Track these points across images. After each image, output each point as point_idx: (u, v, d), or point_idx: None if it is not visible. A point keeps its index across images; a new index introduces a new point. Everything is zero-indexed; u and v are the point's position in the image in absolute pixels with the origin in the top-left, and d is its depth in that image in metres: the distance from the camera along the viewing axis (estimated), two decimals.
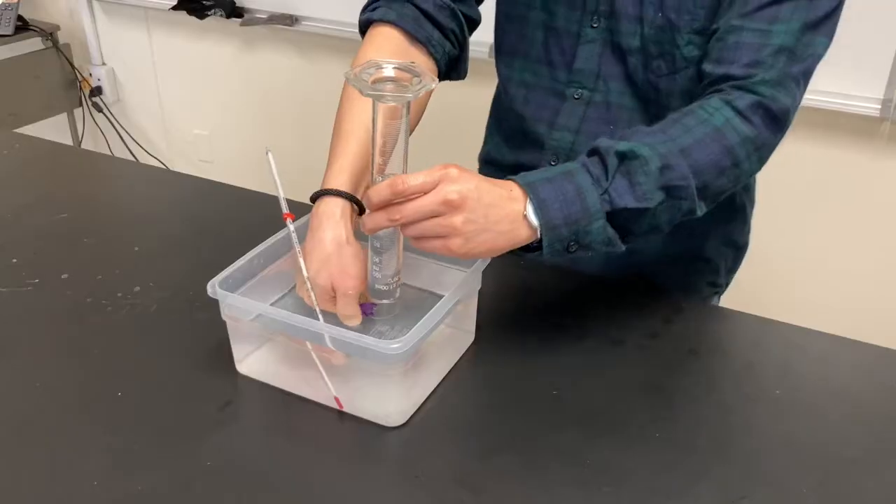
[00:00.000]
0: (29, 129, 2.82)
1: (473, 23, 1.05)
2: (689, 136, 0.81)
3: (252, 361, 0.87)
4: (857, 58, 1.83)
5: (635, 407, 0.81)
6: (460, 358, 0.88)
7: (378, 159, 0.78)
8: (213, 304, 0.82)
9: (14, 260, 1.07)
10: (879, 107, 1.86)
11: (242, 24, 2.61)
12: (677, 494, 0.71)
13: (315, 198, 0.86)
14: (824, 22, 0.86)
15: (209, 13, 2.64)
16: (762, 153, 0.86)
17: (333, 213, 0.84)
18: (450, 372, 0.86)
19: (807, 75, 0.88)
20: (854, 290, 2.10)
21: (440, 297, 0.80)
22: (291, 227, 0.83)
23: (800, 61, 0.86)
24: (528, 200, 0.77)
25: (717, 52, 0.87)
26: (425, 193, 0.73)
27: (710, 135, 0.82)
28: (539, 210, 0.77)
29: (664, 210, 0.81)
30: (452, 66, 1.04)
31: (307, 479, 0.73)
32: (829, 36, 0.87)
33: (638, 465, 0.74)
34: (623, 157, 0.79)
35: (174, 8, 2.70)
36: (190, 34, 2.82)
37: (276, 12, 2.55)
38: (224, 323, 0.83)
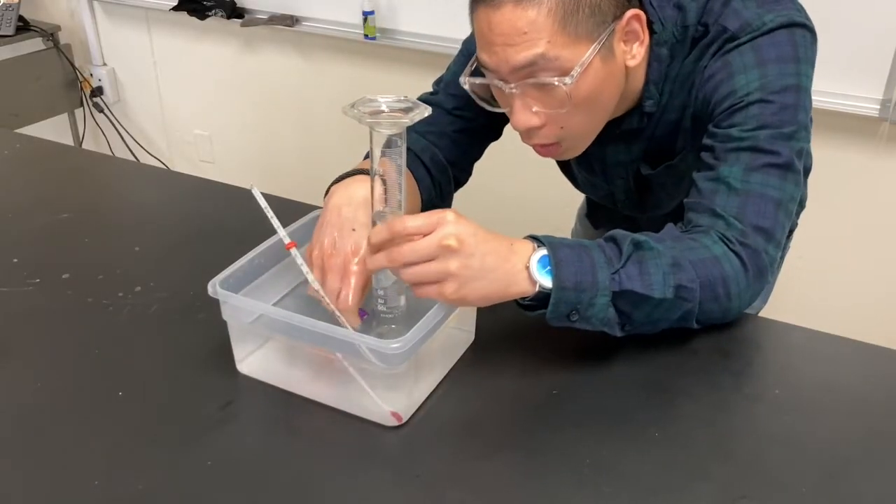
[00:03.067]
0: (30, 130, 2.83)
1: (459, 183, 1.14)
2: (694, 252, 0.85)
3: (253, 361, 0.87)
4: (857, 58, 1.83)
5: (635, 407, 0.81)
6: (460, 358, 0.88)
7: (378, 189, 0.80)
8: (214, 304, 0.82)
9: (15, 260, 1.07)
10: (878, 107, 1.86)
11: (243, 25, 2.61)
12: (677, 494, 0.71)
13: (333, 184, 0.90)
14: (793, 170, 0.90)
15: (210, 14, 2.64)
16: (750, 294, 0.89)
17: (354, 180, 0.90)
18: (450, 372, 0.86)
19: (789, 215, 0.91)
20: (854, 290, 2.10)
21: None
22: (296, 255, 0.83)
23: (787, 215, 0.90)
24: (539, 257, 0.80)
25: (704, 195, 0.91)
26: (424, 236, 0.75)
27: (710, 259, 0.85)
28: (555, 269, 0.79)
29: (668, 306, 0.83)
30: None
31: (307, 478, 0.73)
32: (798, 183, 0.91)
33: (638, 465, 0.74)
34: (638, 245, 0.83)
35: (175, 8, 2.70)
36: (190, 35, 2.83)
37: (277, 13, 2.55)
38: (224, 323, 0.83)
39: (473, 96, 0.96)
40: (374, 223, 0.82)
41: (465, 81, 0.94)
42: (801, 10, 0.93)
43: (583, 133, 0.96)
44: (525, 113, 0.90)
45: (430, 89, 1.12)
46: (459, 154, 1.10)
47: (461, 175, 1.13)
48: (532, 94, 0.89)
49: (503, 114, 1.10)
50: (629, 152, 1.07)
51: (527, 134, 0.93)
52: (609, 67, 0.89)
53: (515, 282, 0.79)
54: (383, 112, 0.78)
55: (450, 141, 1.08)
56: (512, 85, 0.88)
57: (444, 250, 0.75)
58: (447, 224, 0.76)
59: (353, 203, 0.86)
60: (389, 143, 0.78)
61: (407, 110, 0.78)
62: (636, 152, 1.07)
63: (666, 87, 0.98)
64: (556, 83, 0.86)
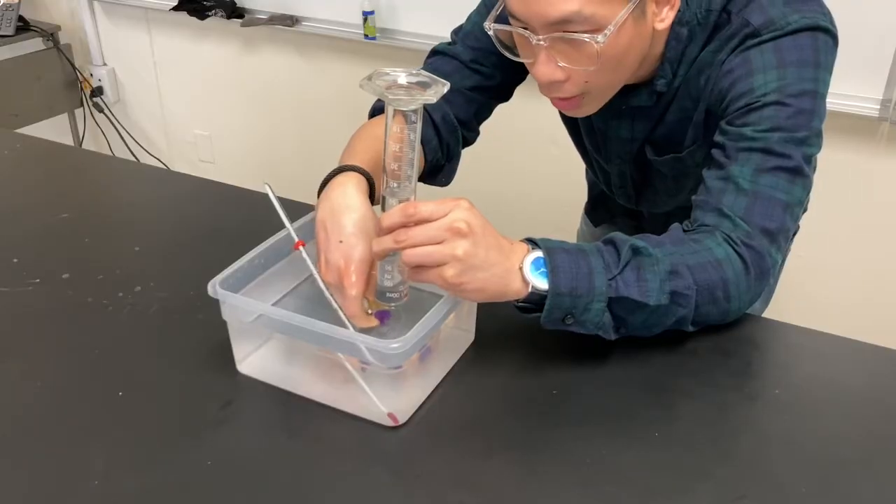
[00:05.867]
0: (30, 130, 2.83)
1: (468, 143, 1.12)
2: (694, 257, 0.85)
3: (253, 361, 0.87)
4: (857, 58, 1.83)
5: (635, 407, 0.81)
6: (460, 358, 0.88)
7: (392, 165, 0.79)
8: (214, 304, 0.82)
9: (15, 260, 1.07)
10: (878, 107, 1.86)
11: (243, 25, 2.61)
12: (677, 494, 0.71)
13: (324, 183, 0.89)
14: (803, 174, 0.90)
15: (210, 14, 2.64)
16: (750, 296, 0.88)
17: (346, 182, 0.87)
18: (450, 372, 0.86)
19: (794, 219, 0.91)
20: (854, 290, 2.10)
21: (440, 297, 0.81)
22: (305, 254, 0.83)
23: (794, 218, 0.90)
24: (533, 258, 0.79)
25: (713, 192, 0.90)
26: (435, 221, 0.75)
27: (712, 263, 0.85)
28: (551, 274, 0.79)
29: (662, 312, 0.83)
30: (436, 172, 1.09)
31: (307, 478, 0.73)
32: (807, 188, 0.92)
33: (638, 465, 0.74)
34: (637, 251, 0.82)
35: (175, 8, 2.70)
36: (190, 35, 2.83)
37: (277, 13, 2.55)
38: (224, 323, 0.83)
39: (496, 42, 0.94)
40: (384, 199, 0.81)
41: (490, 27, 0.92)
42: (826, 13, 0.92)
43: (604, 90, 0.94)
44: (549, 66, 0.88)
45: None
46: (471, 113, 1.09)
47: (470, 135, 1.11)
48: (560, 48, 0.87)
49: (517, 75, 1.09)
50: (631, 130, 1.06)
51: (548, 87, 0.92)
52: (639, 28, 0.88)
53: (511, 281, 0.79)
54: (401, 86, 0.77)
55: (463, 99, 1.07)
56: (540, 37, 0.86)
57: (454, 234, 0.75)
58: (460, 209, 0.76)
59: (335, 214, 0.84)
60: (405, 119, 0.77)
61: (424, 85, 0.77)
62: (639, 132, 1.06)
63: (680, 70, 0.97)
64: (588, 40, 0.84)
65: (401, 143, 0.78)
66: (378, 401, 0.78)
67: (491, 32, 0.93)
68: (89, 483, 0.72)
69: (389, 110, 0.77)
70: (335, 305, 0.81)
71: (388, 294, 0.83)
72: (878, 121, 1.88)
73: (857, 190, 2.00)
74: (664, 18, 0.90)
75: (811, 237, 2.05)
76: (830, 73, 0.92)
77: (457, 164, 1.12)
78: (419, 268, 0.76)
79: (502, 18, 0.91)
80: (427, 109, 1.02)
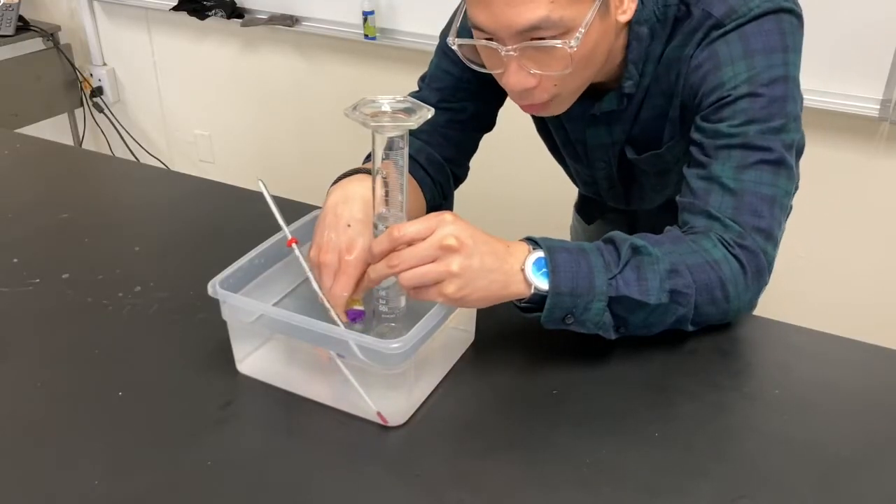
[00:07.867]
0: (30, 130, 2.83)
1: (458, 180, 1.13)
2: (693, 256, 0.85)
3: (252, 361, 0.87)
4: (857, 58, 1.83)
5: (635, 407, 0.81)
6: (460, 358, 0.88)
7: (381, 191, 0.80)
8: (214, 304, 0.82)
9: (15, 260, 1.07)
10: (878, 107, 1.86)
11: (243, 25, 2.61)
12: (677, 494, 0.71)
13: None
14: (786, 164, 0.89)
15: (210, 14, 2.64)
16: (749, 296, 0.88)
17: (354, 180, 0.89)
18: (450, 372, 0.86)
19: (784, 210, 0.91)
20: (853, 290, 2.10)
21: None
22: (297, 251, 0.84)
23: (783, 210, 0.90)
24: (534, 259, 0.79)
25: (699, 193, 0.90)
26: (423, 240, 0.75)
27: (710, 263, 0.85)
28: (552, 274, 0.79)
29: (662, 311, 0.83)
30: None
31: (307, 478, 0.73)
32: (792, 179, 0.91)
33: (638, 465, 0.74)
34: (637, 250, 0.82)
35: (175, 8, 2.70)
36: (190, 35, 2.83)
37: (277, 13, 2.55)
38: (224, 323, 0.84)
39: (464, 59, 0.92)
40: (375, 226, 0.82)
41: (454, 42, 0.91)
42: None
43: (574, 90, 0.93)
44: (520, 74, 0.87)
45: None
46: (453, 149, 1.09)
47: (459, 171, 1.12)
48: (530, 55, 0.85)
49: (493, 102, 1.09)
50: (610, 134, 1.06)
51: (520, 95, 0.91)
52: (605, 24, 0.87)
53: (511, 283, 0.79)
54: (385, 113, 0.78)
55: (441, 137, 1.07)
56: (510, 48, 0.84)
57: (445, 251, 0.75)
58: (446, 224, 0.76)
59: (349, 200, 0.86)
60: (391, 145, 0.78)
61: (409, 111, 0.78)
62: (618, 134, 1.06)
63: (647, 69, 0.97)
64: (560, 46, 0.83)
65: (388, 168, 0.79)
66: (371, 400, 0.78)
67: (455, 47, 0.91)
68: (89, 483, 0.72)
69: (376, 138, 0.78)
70: (327, 305, 0.81)
71: (384, 316, 0.85)
72: (878, 121, 1.88)
73: (857, 190, 2.00)
74: (626, 10, 0.90)
75: (811, 237, 2.06)
76: (800, 53, 0.91)
77: (452, 202, 1.13)
78: (419, 288, 0.76)
79: (464, 31, 0.90)
80: (412, 153, 1.03)
